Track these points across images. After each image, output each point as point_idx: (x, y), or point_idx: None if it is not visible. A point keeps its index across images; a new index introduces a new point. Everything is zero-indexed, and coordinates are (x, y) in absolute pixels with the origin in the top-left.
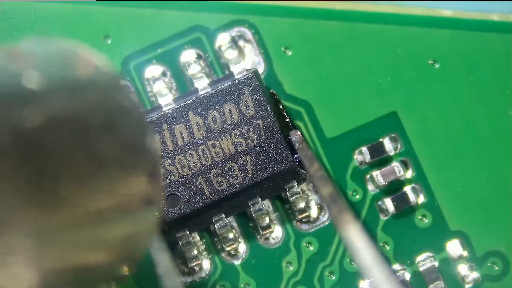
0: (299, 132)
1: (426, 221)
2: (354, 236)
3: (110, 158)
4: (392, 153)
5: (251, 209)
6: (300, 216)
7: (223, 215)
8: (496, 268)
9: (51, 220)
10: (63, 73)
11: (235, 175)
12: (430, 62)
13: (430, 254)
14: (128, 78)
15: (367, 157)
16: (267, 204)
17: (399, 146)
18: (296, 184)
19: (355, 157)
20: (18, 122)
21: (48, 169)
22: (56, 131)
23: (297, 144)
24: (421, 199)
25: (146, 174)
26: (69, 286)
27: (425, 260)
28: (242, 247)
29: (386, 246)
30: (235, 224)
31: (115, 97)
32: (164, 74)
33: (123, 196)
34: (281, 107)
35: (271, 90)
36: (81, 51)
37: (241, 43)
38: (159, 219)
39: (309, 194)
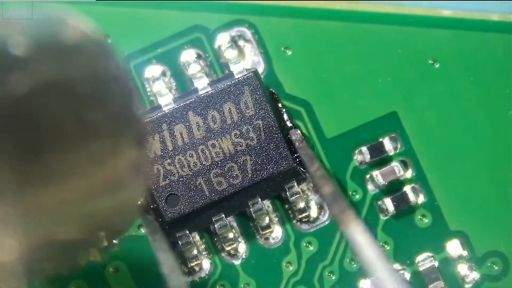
0: (299, 131)
1: (426, 221)
2: (358, 234)
3: (98, 126)
4: (392, 153)
5: (251, 209)
6: (300, 216)
7: (223, 215)
8: (496, 268)
9: (39, 191)
10: (51, 39)
11: (235, 175)
12: (430, 62)
13: (430, 254)
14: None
15: (367, 157)
16: (267, 204)
17: (399, 146)
18: (296, 184)
19: (355, 157)
20: (4, 89)
21: (35, 137)
22: (43, 98)
23: (297, 143)
24: (421, 199)
25: (133, 142)
26: (53, 256)
27: (425, 260)
28: (242, 247)
29: (386, 246)
30: (235, 224)
31: (103, 64)
32: (164, 74)
33: (111, 164)
34: (280, 105)
35: (270, 89)
36: (70, 17)
37: (241, 43)
38: (145, 188)
39: (309, 194)
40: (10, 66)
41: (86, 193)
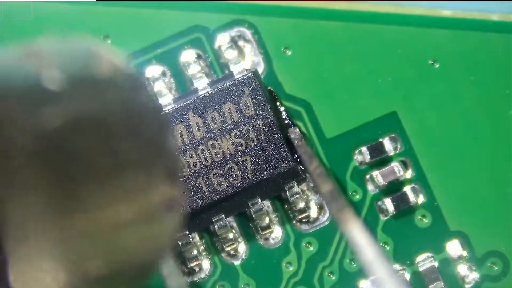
0: (298, 130)
1: (426, 221)
2: (356, 233)
3: (130, 159)
4: (392, 153)
5: (251, 209)
6: (300, 216)
7: (223, 215)
8: (496, 269)
9: (73, 224)
10: (84, 73)
11: (234, 176)
12: (430, 62)
13: (430, 255)
14: None
15: (367, 157)
16: (266, 204)
17: (399, 146)
18: (296, 184)
19: (355, 157)
20: (38, 124)
21: (68, 171)
22: (77, 132)
23: (296, 142)
24: (421, 199)
25: (166, 175)
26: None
27: (425, 261)
28: (242, 247)
29: (386, 246)
30: (234, 224)
31: (136, 97)
32: (163, 74)
33: (143, 197)
34: (278, 104)
35: (269, 87)
36: (101, 50)
37: (241, 43)
38: (180, 224)
39: (309, 194)
40: (43, 100)
41: (118, 225)
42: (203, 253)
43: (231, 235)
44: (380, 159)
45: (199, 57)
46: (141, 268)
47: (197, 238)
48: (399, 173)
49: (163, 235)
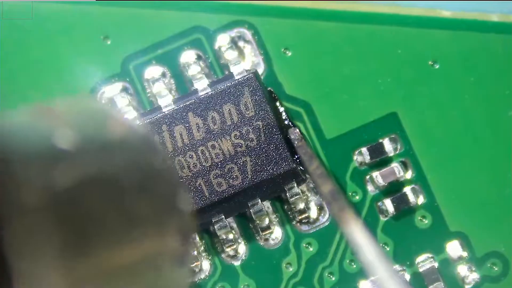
0: (298, 130)
1: (426, 222)
2: (357, 233)
3: (142, 218)
4: (391, 154)
5: (250, 210)
6: (299, 217)
7: (223, 216)
8: (496, 269)
9: (82, 276)
10: (96, 133)
11: (234, 176)
12: (430, 62)
13: (430, 255)
14: (127, 79)
15: (367, 158)
16: (266, 205)
17: (398, 147)
18: (295, 185)
19: (355, 158)
20: (51, 183)
21: (79, 229)
22: (88, 190)
23: (296, 142)
24: (421, 200)
25: (177, 233)
26: None
27: (425, 261)
28: (241, 248)
29: (386, 247)
30: (234, 225)
31: (148, 157)
32: (163, 75)
33: (154, 254)
34: (278, 104)
35: (269, 88)
36: (113, 111)
37: (241, 43)
38: (189, 280)
39: (309, 195)
40: (56, 159)
41: (128, 281)
42: (203, 254)
43: (231, 236)
44: (380, 160)
45: (199, 58)
46: None
47: (197, 239)
48: (399, 173)
49: None
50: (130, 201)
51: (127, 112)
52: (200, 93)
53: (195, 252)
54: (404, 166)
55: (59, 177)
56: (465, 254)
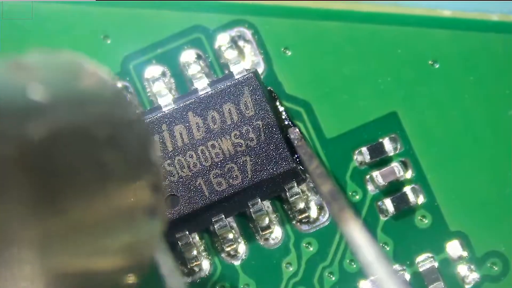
0: (297, 130)
1: (426, 221)
2: (356, 233)
3: (114, 170)
4: (391, 154)
5: (250, 210)
6: (300, 217)
7: (223, 216)
8: (496, 269)
9: (54, 229)
10: (68, 85)
11: (234, 176)
12: (430, 62)
13: (430, 255)
14: (127, 78)
15: (367, 158)
16: (266, 204)
17: (398, 147)
18: (296, 184)
19: (355, 157)
20: (23, 135)
21: (52, 181)
22: (61, 143)
23: (296, 142)
24: (421, 199)
25: (149, 186)
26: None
27: (425, 261)
28: (241, 247)
29: (385, 246)
30: (234, 225)
31: (119, 109)
32: (163, 74)
33: (127, 207)
34: (278, 104)
35: (269, 87)
36: (86, 63)
37: (240, 43)
38: (162, 230)
39: (309, 194)
40: (29, 112)
41: (101, 234)
42: (203, 254)
43: (231, 236)
44: (380, 160)
45: (199, 57)
46: (126, 271)
47: (197, 238)
48: (399, 173)
49: (145, 240)
50: (102, 154)
51: None
52: (200, 93)
53: (195, 252)
54: (404, 165)
55: (32, 129)
56: (465, 253)
